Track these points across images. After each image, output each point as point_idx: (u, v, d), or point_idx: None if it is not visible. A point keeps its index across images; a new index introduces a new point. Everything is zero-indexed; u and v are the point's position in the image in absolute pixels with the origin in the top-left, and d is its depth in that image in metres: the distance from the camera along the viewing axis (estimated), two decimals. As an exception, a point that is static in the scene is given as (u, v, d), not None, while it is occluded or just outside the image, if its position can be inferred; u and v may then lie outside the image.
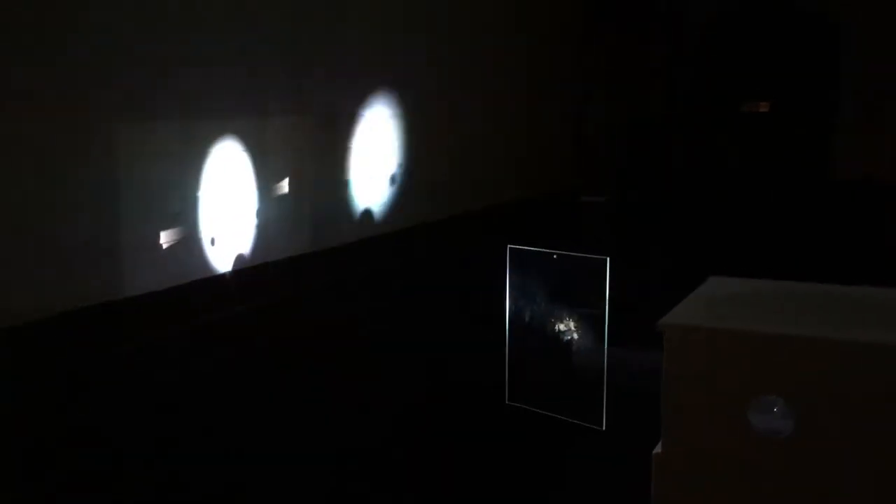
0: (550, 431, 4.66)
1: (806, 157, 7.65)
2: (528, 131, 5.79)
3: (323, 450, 3.78)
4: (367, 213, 4.05)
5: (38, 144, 2.44)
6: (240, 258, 3.23)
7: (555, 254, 4.49)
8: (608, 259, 4.18)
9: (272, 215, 3.37)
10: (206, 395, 3.09)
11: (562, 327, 4.54)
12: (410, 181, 4.41)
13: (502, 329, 4.55)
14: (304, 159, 3.60)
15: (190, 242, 2.99)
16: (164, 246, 2.83)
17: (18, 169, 2.38)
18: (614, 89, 7.88)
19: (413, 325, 4.48)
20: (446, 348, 4.83)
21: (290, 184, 3.51)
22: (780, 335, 2.23)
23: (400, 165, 4.32)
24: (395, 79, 4.21)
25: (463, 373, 4.97)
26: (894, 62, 7.28)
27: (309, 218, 3.63)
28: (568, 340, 4.51)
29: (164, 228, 2.88)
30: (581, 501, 4.59)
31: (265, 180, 3.33)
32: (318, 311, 3.70)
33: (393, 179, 4.23)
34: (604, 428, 4.38)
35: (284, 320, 3.49)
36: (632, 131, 7.95)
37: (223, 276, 3.14)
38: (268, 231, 3.35)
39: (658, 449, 2.35)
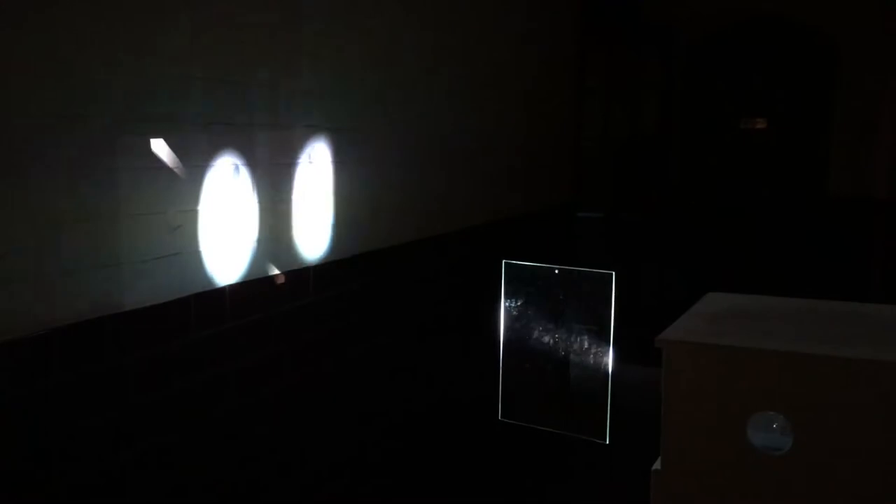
0: (548, 447, 4.66)
1: (803, 174, 7.68)
2: (526, 148, 5.80)
3: (317, 462, 3.78)
4: (366, 227, 4.06)
5: (36, 156, 2.44)
6: (239, 272, 3.22)
7: (556, 269, 4.49)
8: (614, 273, 4.20)
9: (272, 229, 3.38)
10: (198, 409, 3.08)
11: (562, 342, 4.54)
12: (406, 196, 4.42)
13: (497, 344, 4.54)
14: (306, 171, 3.60)
15: (189, 256, 2.99)
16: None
17: (15, 182, 2.38)
18: (612, 106, 7.92)
19: (409, 339, 4.48)
20: (444, 362, 4.83)
21: (291, 197, 3.51)
22: (779, 351, 2.23)
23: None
24: (394, 94, 4.23)
25: (458, 388, 4.97)
26: (889, 80, 7.32)
27: (308, 231, 3.63)
28: (567, 355, 4.52)
29: (164, 242, 2.88)
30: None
31: (266, 193, 3.33)
32: (313, 325, 3.70)
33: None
34: (607, 441, 4.39)
35: (278, 334, 3.48)
36: (629, 148, 7.98)
37: (222, 289, 3.13)
38: (266, 244, 3.35)
39: (657, 465, 2.35)
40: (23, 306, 2.40)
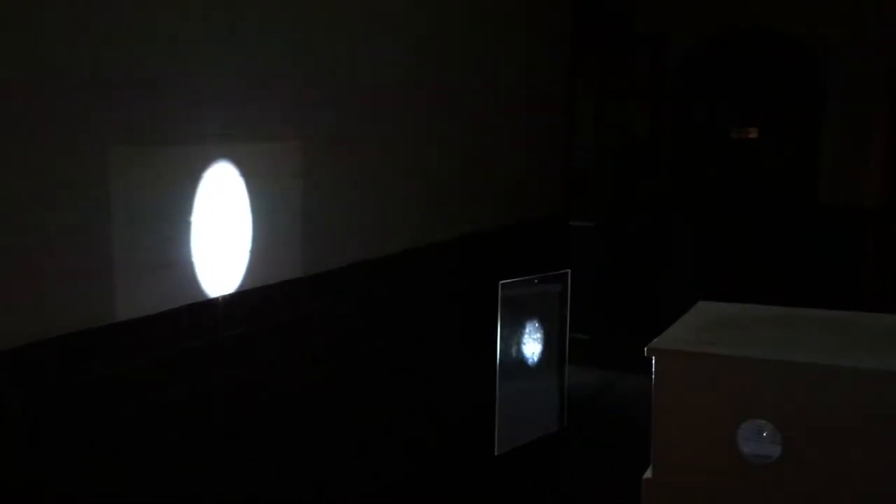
0: (541, 455, 4.67)
1: (794, 182, 7.71)
2: (517, 157, 5.82)
3: (314, 472, 3.78)
4: (357, 238, 4.07)
5: (30, 166, 2.45)
6: (231, 283, 3.23)
7: (535, 278, 4.52)
8: (569, 272, 4.22)
9: (265, 240, 3.38)
10: (192, 420, 3.09)
11: (541, 349, 4.57)
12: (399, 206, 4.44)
13: (489, 363, 4.54)
14: (298, 183, 3.62)
15: (182, 267, 2.99)
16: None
17: (8, 191, 2.39)
18: (603, 115, 7.94)
19: (406, 345, 4.48)
20: (442, 367, 4.84)
21: (284, 208, 3.52)
22: (769, 360, 2.25)
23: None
24: (387, 102, 4.24)
25: (458, 391, 4.98)
26: (880, 87, 7.36)
27: (300, 242, 3.64)
28: (546, 361, 4.55)
29: (156, 253, 2.89)
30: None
31: (259, 205, 3.34)
32: (307, 337, 3.70)
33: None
34: (565, 424, 4.42)
35: (270, 347, 3.49)
36: (620, 157, 8.01)
37: (215, 300, 3.14)
38: (260, 255, 3.36)
39: (648, 474, 2.36)
40: (15, 317, 2.40)
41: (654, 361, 2.33)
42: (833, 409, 2.18)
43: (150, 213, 2.85)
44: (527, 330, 4.50)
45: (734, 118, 7.87)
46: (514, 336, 4.52)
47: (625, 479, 2.95)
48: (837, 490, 2.18)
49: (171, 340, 2.94)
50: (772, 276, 7.48)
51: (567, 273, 4.12)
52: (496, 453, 4.20)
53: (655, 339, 2.39)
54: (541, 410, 4.58)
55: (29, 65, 2.42)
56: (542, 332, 4.49)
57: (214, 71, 3.10)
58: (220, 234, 3.15)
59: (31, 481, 2.47)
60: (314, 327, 3.72)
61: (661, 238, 7.94)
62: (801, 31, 7.44)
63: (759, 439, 2.22)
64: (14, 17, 2.37)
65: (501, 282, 4.17)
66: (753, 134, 7.81)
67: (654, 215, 7.96)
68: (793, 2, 7.48)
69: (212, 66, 3.09)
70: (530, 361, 4.57)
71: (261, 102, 3.35)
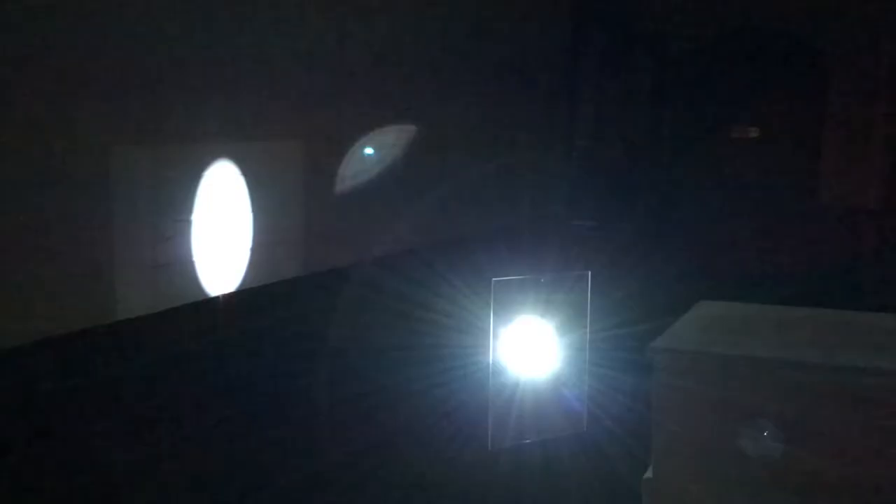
0: (538, 455, 4.67)
1: (794, 182, 7.71)
2: (517, 157, 5.82)
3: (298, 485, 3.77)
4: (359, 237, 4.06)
5: (30, 166, 2.45)
6: (231, 282, 3.23)
7: (542, 278, 4.49)
8: (590, 273, 4.19)
9: (265, 238, 3.38)
10: (187, 425, 3.08)
11: (548, 351, 4.54)
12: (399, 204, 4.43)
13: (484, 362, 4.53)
14: (300, 183, 3.61)
15: (182, 266, 2.99)
16: None
17: (9, 191, 2.39)
18: (603, 115, 7.93)
19: (398, 353, 4.48)
20: (432, 377, 4.83)
21: (284, 207, 3.52)
22: (769, 360, 2.25)
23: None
24: (391, 105, 4.24)
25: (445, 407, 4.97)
26: (880, 89, 7.35)
27: (302, 241, 3.64)
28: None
29: (156, 253, 2.88)
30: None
31: (259, 204, 3.34)
32: (304, 340, 3.70)
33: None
34: (584, 429, 4.41)
35: (271, 347, 3.48)
36: (621, 157, 8.00)
37: (215, 300, 3.14)
38: (260, 255, 3.36)
39: (648, 474, 2.37)
40: (15, 317, 2.40)
41: (655, 360, 2.33)
42: (833, 409, 2.17)
43: (150, 212, 2.85)
44: (532, 330, 4.48)
45: (734, 118, 7.86)
46: (512, 335, 4.49)
47: (625, 479, 2.95)
48: (837, 490, 2.17)
49: (171, 340, 2.94)
50: (772, 277, 7.47)
51: (588, 274, 4.08)
52: (489, 448, 4.19)
53: (657, 339, 2.39)
54: (559, 411, 4.55)
55: (29, 65, 2.42)
56: (554, 332, 4.46)
57: (214, 71, 3.10)
58: (221, 233, 3.15)
59: (31, 481, 2.47)
60: (314, 327, 3.72)
61: (661, 238, 7.93)
62: (801, 31, 7.43)
63: (760, 437, 2.22)
64: (15, 18, 2.37)
65: (494, 279, 4.14)
66: (753, 134, 7.79)
67: (653, 216, 7.95)
68: (793, 2, 7.47)
69: (212, 66, 3.09)
70: (536, 362, 4.54)
71: (261, 102, 3.35)
